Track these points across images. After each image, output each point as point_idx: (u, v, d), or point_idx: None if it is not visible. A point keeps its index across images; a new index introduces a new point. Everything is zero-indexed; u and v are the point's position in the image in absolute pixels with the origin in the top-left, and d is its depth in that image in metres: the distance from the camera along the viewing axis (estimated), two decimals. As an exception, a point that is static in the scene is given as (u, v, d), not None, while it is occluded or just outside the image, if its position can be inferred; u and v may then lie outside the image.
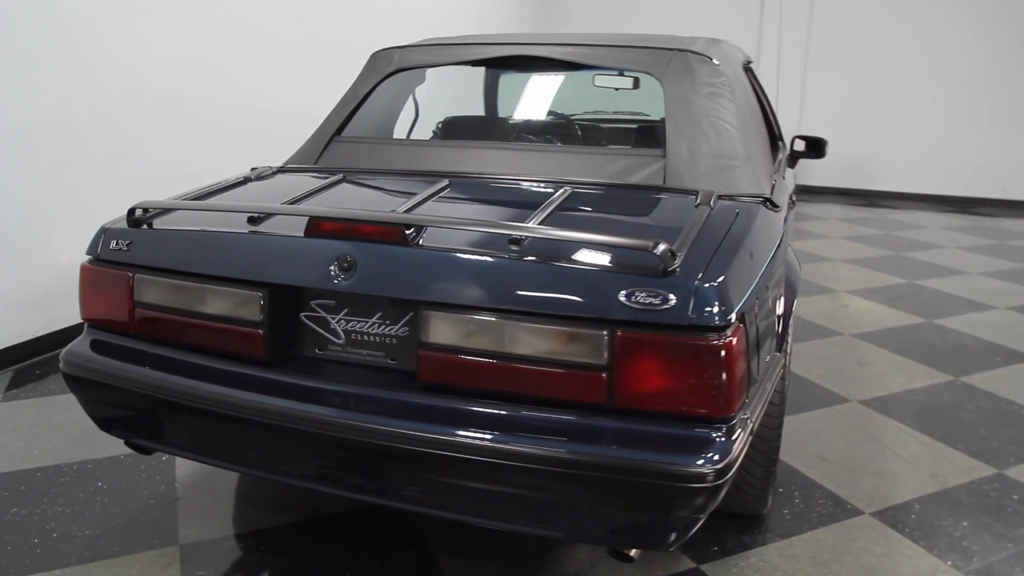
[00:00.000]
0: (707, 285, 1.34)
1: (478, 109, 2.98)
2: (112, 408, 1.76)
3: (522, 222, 1.51)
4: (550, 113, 2.69)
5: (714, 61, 2.16)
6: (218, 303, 1.62)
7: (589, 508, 1.39)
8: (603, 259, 1.42)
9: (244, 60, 4.04)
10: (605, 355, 1.36)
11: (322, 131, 2.32)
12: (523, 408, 1.42)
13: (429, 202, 1.74)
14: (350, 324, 1.58)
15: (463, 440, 1.39)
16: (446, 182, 1.89)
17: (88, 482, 2.23)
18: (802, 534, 2.06)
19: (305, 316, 1.61)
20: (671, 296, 1.33)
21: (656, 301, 1.33)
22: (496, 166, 2.03)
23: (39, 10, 2.99)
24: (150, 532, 2.01)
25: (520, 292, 1.41)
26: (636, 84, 2.74)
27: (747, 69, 2.53)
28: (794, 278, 2.08)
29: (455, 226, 1.50)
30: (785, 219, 2.09)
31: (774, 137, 2.68)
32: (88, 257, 1.77)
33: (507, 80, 2.62)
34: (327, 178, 2.01)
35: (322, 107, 2.48)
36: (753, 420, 1.45)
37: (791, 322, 2.01)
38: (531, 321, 1.40)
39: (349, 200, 1.88)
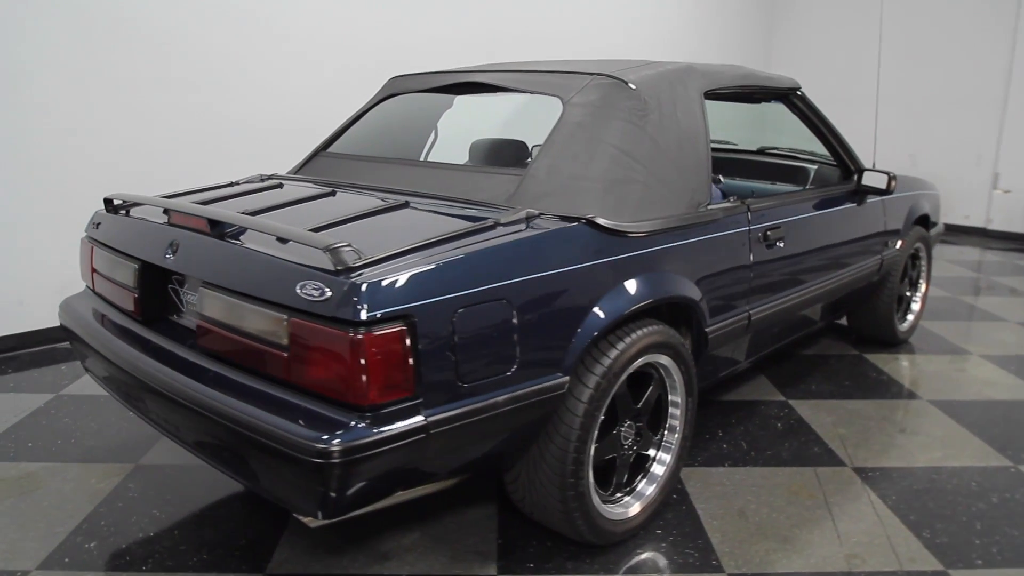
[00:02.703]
0: (360, 285, 1.46)
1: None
2: (77, 348, 2.32)
3: (317, 224, 1.75)
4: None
5: (630, 85, 2.17)
6: (120, 272, 2.09)
7: (262, 467, 1.59)
8: (299, 255, 1.61)
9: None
10: (285, 338, 1.56)
11: (317, 146, 2.74)
12: (243, 375, 1.67)
13: (297, 204, 2.04)
14: (187, 296, 1.96)
15: (198, 395, 1.67)
16: (330, 190, 2.18)
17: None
18: (635, 575, 1.97)
19: (170, 287, 2.02)
20: (327, 290, 1.49)
21: (316, 294, 1.50)
22: (391, 180, 2.25)
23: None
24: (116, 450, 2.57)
25: (245, 277, 1.66)
26: None
27: (710, 95, 2.42)
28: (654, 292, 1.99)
29: (229, 220, 1.78)
30: (652, 245, 2.01)
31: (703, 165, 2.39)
32: (83, 234, 2.37)
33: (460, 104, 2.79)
34: (267, 183, 2.41)
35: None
36: (444, 419, 1.54)
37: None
38: (248, 302, 1.64)
39: (252, 202, 2.24)
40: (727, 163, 3.66)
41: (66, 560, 1.99)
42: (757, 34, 7.94)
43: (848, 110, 7.31)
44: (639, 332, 1.95)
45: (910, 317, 3.85)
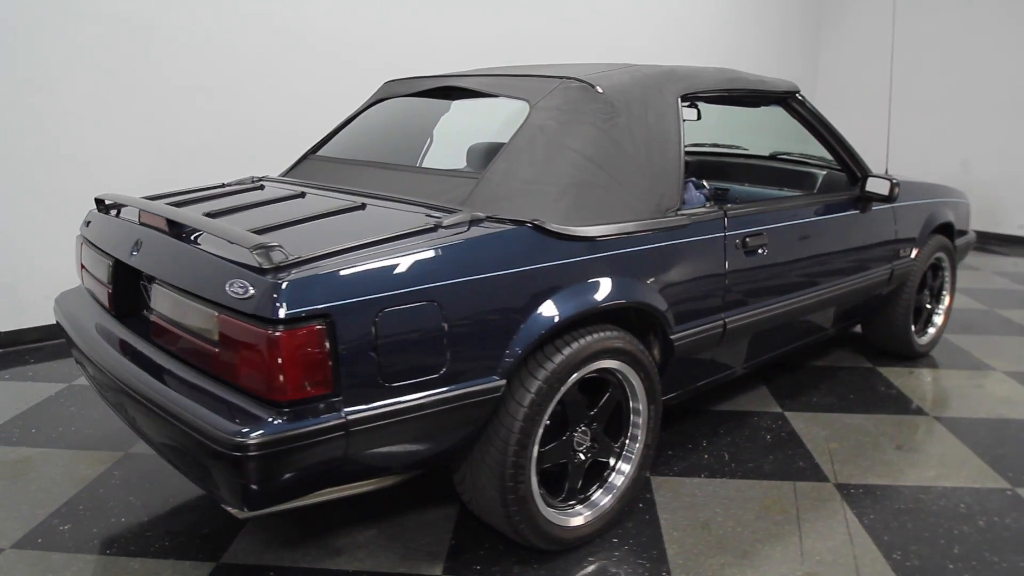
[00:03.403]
0: (280, 284, 1.50)
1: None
2: (65, 339, 2.43)
3: (268, 224, 1.80)
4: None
5: (597, 88, 2.16)
6: (99, 269, 2.19)
7: (193, 460, 1.64)
8: (236, 254, 1.65)
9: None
10: (216, 334, 1.61)
11: (308, 149, 2.81)
12: (186, 370, 1.73)
13: (265, 205, 2.11)
14: (152, 292, 2.04)
15: (143, 388, 1.74)
16: (301, 192, 2.24)
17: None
18: (580, 582, 1.95)
19: (141, 283, 2.11)
20: (251, 289, 1.53)
21: (241, 292, 1.54)
22: (365, 183, 2.28)
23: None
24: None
25: (186, 274, 1.72)
26: (699, 115, 2.76)
27: (687, 98, 2.38)
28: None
29: (181, 219, 1.84)
30: (608, 250, 1.99)
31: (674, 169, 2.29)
32: (78, 232, 2.49)
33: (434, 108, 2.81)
34: (251, 185, 2.49)
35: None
36: (365, 417, 1.56)
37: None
38: (188, 299, 1.70)
39: (225, 202, 2.29)
40: (736, 168, 3.59)
41: (39, 541, 2.09)
42: (800, 38, 7.73)
43: (898, 115, 7.07)
44: (589, 338, 1.93)
45: (931, 330, 3.69)
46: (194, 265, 1.73)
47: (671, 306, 2.17)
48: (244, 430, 1.48)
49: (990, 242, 6.71)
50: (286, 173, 2.74)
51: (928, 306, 3.66)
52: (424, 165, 2.85)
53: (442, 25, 4.83)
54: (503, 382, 1.78)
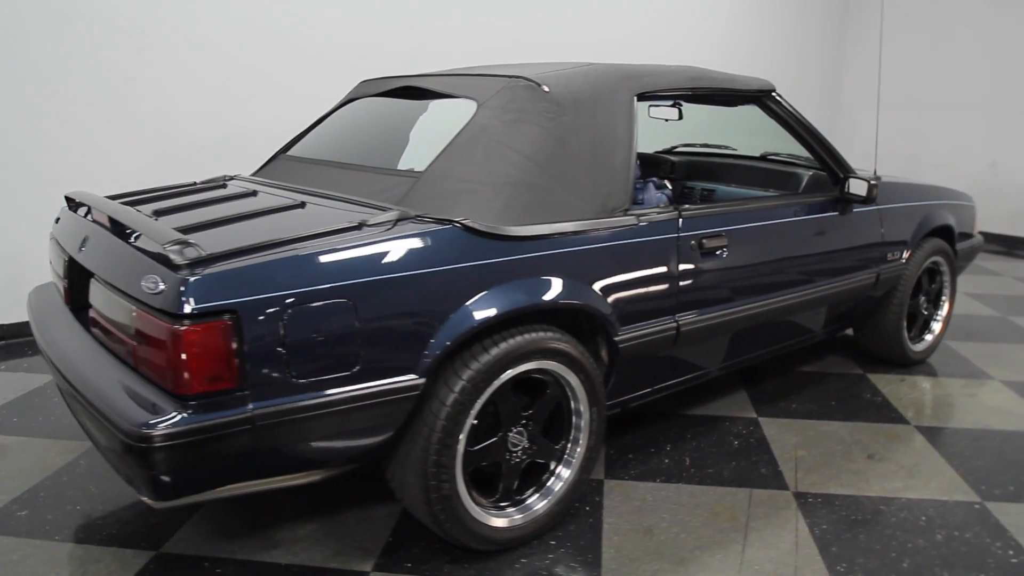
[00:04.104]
0: (187, 279, 1.53)
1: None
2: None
3: (203, 221, 1.84)
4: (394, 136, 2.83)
5: (544, 88, 2.15)
6: (58, 264, 2.26)
7: (111, 451, 1.68)
8: (155, 250, 1.69)
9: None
10: (133, 328, 1.65)
11: (280, 148, 2.86)
12: (113, 362, 1.78)
13: (214, 203, 2.15)
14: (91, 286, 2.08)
15: (73, 377, 1.79)
16: (253, 191, 2.28)
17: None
18: (509, 583, 1.94)
19: (92, 279, 2.17)
20: (162, 284, 1.56)
21: (152, 286, 1.58)
22: (319, 183, 2.31)
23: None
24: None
25: (113, 269, 1.77)
26: (680, 115, 2.75)
27: (645, 98, 2.35)
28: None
29: (118, 216, 1.88)
30: (534, 251, 1.98)
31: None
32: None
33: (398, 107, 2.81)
34: (212, 183, 2.54)
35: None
36: (272, 412, 1.59)
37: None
38: (114, 293, 1.75)
39: (179, 201, 2.31)
40: (726, 169, 3.53)
41: (-5, 525, 2.17)
42: (824, 37, 7.55)
43: (927, 116, 6.87)
44: (519, 338, 1.92)
45: (928, 337, 3.57)
46: (120, 261, 1.77)
47: (615, 307, 2.14)
48: (150, 422, 1.51)
49: (1018, 247, 6.46)
50: (257, 172, 2.78)
51: (925, 312, 3.54)
52: (399, 166, 2.88)
53: (437, 24, 4.85)
54: (422, 381, 1.78)
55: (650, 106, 2.88)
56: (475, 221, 1.89)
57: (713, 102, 2.83)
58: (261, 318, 1.58)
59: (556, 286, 2.00)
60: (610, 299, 2.13)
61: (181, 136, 4.07)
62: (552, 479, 2.14)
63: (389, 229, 1.82)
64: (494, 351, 1.88)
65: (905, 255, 3.22)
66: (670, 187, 2.67)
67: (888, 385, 3.31)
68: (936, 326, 3.61)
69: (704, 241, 2.37)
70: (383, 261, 1.74)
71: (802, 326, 2.98)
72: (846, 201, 2.89)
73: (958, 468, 2.57)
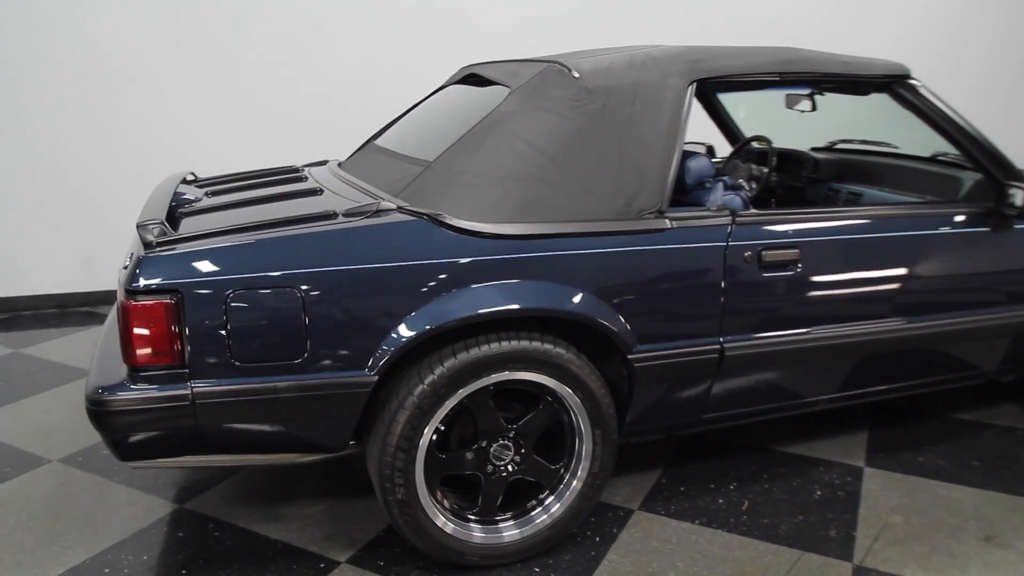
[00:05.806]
0: (142, 258, 1.61)
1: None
2: None
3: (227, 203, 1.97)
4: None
5: (573, 73, 1.97)
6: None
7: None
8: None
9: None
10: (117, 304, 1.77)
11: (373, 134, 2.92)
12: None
13: (267, 188, 2.26)
14: None
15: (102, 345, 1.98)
16: (304, 175, 2.37)
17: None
18: None
19: None
20: (127, 262, 1.67)
21: (126, 263, 1.69)
22: (362, 170, 2.33)
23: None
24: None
25: (129, 248, 1.91)
26: (814, 106, 2.50)
27: (708, 85, 2.05)
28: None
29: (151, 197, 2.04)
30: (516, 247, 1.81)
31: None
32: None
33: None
34: (288, 173, 2.65)
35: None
36: (211, 392, 1.63)
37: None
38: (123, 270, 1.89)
39: (248, 183, 2.46)
40: (884, 170, 2.99)
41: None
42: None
43: None
44: (493, 345, 1.78)
45: None
46: (133, 242, 1.92)
47: (630, 321, 1.90)
48: (101, 390, 1.63)
49: None
50: (346, 160, 2.87)
51: None
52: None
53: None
54: (373, 378, 1.71)
55: (787, 95, 2.54)
56: (448, 216, 1.77)
57: (827, 90, 2.40)
58: (204, 300, 1.62)
59: (541, 292, 1.81)
60: (623, 312, 1.89)
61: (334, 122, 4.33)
62: (537, 509, 1.97)
63: (359, 220, 1.76)
64: (462, 356, 1.76)
65: None
66: (747, 188, 2.30)
67: (1068, 451, 2.60)
68: None
69: (764, 253, 2.01)
70: (339, 253, 1.69)
71: (929, 364, 2.43)
72: (1002, 215, 2.29)
73: None
